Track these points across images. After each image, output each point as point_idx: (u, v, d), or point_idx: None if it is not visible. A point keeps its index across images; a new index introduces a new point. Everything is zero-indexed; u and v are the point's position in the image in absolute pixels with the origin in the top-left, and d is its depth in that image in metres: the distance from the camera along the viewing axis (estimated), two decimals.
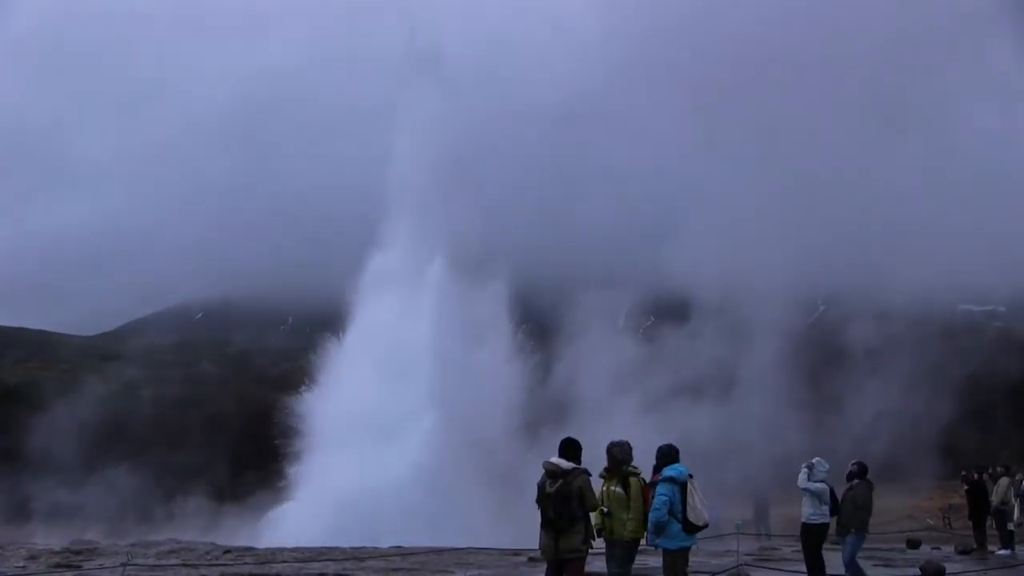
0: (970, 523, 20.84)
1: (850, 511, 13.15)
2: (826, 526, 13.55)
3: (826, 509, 13.34)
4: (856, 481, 13.21)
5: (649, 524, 9.95)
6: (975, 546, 19.63)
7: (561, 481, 9.60)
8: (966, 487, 20.59)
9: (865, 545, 20.73)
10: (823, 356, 31.14)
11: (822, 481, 13.57)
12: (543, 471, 9.78)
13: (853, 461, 13.44)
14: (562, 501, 9.57)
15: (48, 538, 24.92)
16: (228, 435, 29.16)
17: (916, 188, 34.91)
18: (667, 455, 10.23)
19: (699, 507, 9.95)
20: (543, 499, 9.65)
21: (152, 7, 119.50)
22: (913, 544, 20.50)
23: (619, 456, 10.05)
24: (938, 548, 20.32)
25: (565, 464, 9.68)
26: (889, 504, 29.87)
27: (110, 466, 32.44)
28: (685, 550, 10.12)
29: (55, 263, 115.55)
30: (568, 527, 9.57)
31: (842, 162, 35.65)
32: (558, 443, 9.91)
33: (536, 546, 10.01)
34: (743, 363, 27.47)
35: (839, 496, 13.17)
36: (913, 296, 32.72)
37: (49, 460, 33.16)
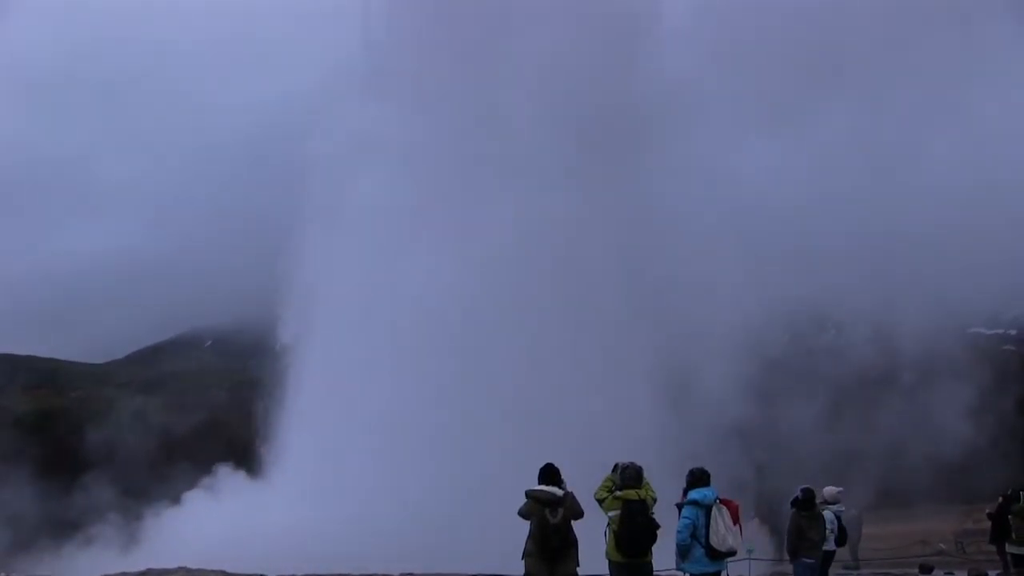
0: (993, 547, 20.77)
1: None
2: (829, 554, 13.56)
3: (830, 536, 13.36)
4: (793, 509, 13.13)
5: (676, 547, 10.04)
6: (1000, 570, 19.61)
7: (562, 509, 9.65)
8: (988, 512, 20.55)
9: (878, 570, 20.85)
10: (832, 381, 31.02)
11: (833, 509, 13.60)
12: (528, 501, 9.79)
13: (800, 487, 13.38)
14: (567, 528, 9.64)
15: (58, 566, 24.96)
16: (243, 462, 29.15)
17: (923, 207, 34.81)
18: (698, 478, 10.25)
19: (723, 532, 9.91)
20: (550, 531, 9.62)
21: (176, 34, 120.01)
22: (926, 569, 20.46)
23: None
24: (951, 573, 20.28)
25: (559, 491, 9.72)
26: (901, 529, 29.80)
27: (120, 493, 32.44)
28: (709, 575, 10.12)
29: (64, 292, 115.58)
30: (566, 553, 9.63)
31: (846, 179, 35.52)
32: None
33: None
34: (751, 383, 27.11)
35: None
36: (922, 319, 32.63)
37: (59, 487, 33.24)
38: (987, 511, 20.92)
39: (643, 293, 24.86)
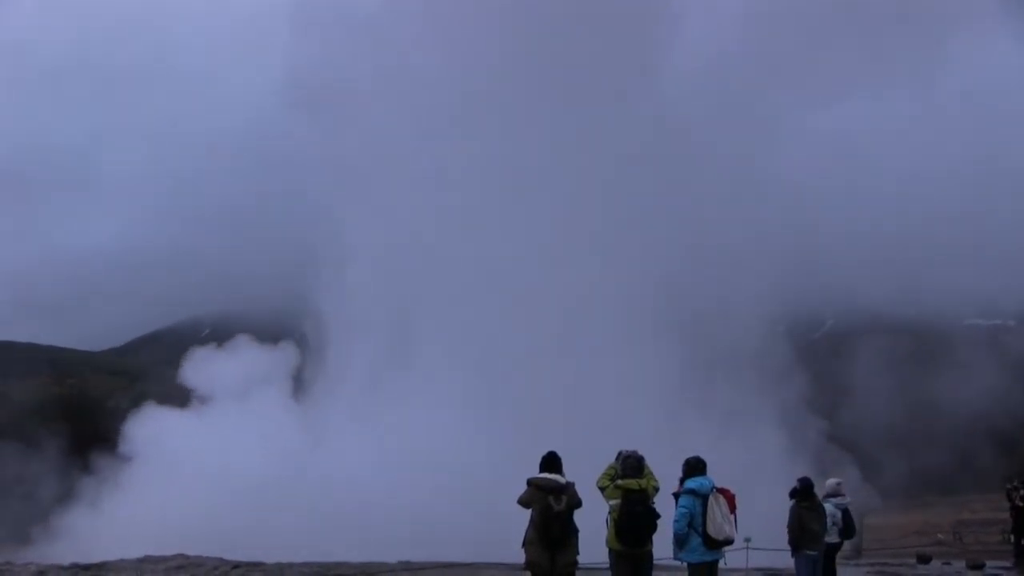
0: (1011, 536, 20.66)
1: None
2: (833, 547, 13.48)
3: (833, 529, 13.25)
4: (792, 501, 12.98)
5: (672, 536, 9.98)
6: (1013, 560, 19.60)
7: (566, 496, 9.59)
8: (1014, 503, 20.38)
9: (876, 560, 20.84)
10: (829, 372, 31.01)
11: (834, 501, 13.51)
12: (528, 489, 9.71)
13: (799, 477, 13.24)
14: (569, 517, 9.59)
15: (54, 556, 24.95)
16: None
17: (921, 201, 34.80)
18: (694, 467, 10.20)
19: (720, 521, 9.85)
20: (553, 518, 9.56)
21: (181, 29, 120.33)
22: (923, 559, 20.46)
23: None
24: (948, 563, 20.28)
25: (561, 479, 9.67)
26: (900, 520, 29.85)
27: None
28: (707, 564, 10.05)
29: (63, 281, 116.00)
30: (567, 542, 9.57)
31: (844, 172, 35.34)
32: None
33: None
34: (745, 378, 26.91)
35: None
36: (920, 310, 32.65)
37: (57, 475, 33.23)
38: (1013, 502, 20.68)
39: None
